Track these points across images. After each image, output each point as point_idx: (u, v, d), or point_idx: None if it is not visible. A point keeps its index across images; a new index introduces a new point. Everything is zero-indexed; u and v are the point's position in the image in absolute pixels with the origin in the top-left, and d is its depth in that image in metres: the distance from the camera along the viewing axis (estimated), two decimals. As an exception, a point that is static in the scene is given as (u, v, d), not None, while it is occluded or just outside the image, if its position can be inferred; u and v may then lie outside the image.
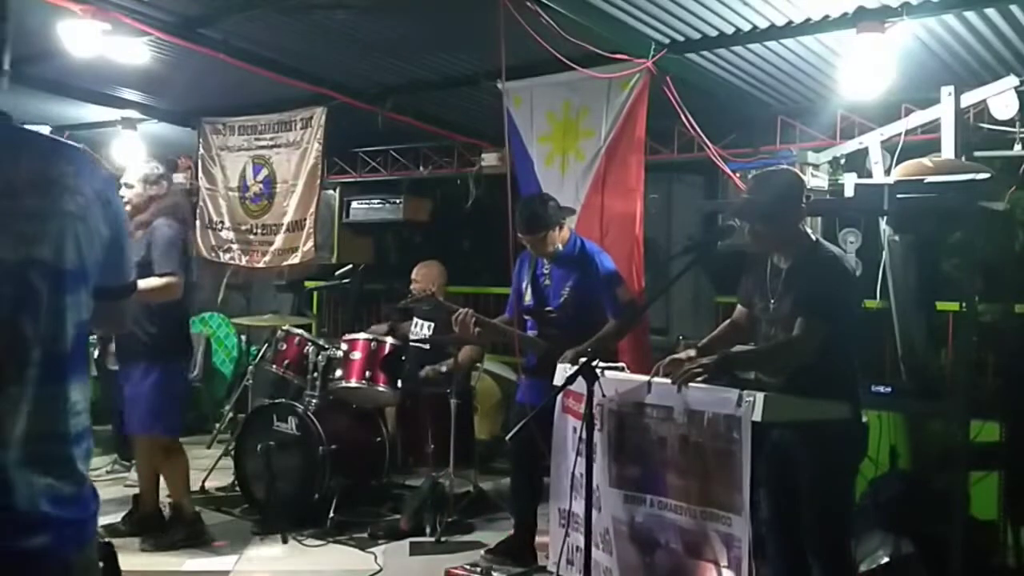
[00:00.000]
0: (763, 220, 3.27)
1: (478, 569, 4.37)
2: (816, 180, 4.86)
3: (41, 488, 1.46)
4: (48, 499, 1.46)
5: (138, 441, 4.73)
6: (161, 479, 4.74)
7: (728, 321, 3.62)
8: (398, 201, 8.09)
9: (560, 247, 4.42)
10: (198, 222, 7.35)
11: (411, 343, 5.66)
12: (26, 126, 1.64)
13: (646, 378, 3.25)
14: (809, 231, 3.36)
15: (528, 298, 4.53)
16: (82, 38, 4.84)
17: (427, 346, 5.60)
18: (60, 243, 1.51)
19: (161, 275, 4.31)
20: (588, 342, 4.15)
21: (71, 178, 1.56)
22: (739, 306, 3.58)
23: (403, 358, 5.44)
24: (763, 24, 4.59)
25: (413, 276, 5.94)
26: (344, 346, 5.36)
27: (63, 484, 1.49)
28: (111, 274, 1.65)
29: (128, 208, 4.38)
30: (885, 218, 4.45)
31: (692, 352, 3.35)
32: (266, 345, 5.98)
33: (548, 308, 4.43)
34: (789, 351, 3.18)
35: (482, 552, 4.50)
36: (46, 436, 1.48)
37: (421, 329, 5.81)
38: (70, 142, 1.69)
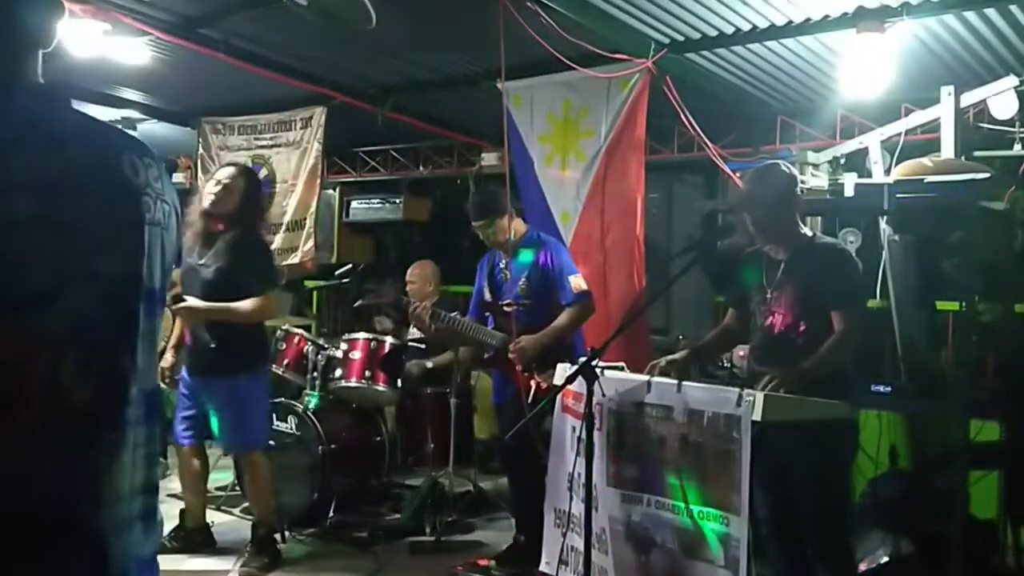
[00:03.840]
0: (758, 211, 3.35)
1: (478, 569, 4.38)
2: (816, 180, 4.86)
3: (134, 553, 1.25)
4: (138, 564, 1.26)
5: (185, 453, 4.48)
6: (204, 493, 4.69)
7: (720, 326, 3.71)
8: (398, 201, 8.10)
9: (512, 236, 4.51)
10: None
11: (408, 343, 5.67)
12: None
13: (646, 378, 3.25)
14: (803, 227, 3.45)
15: (488, 295, 4.63)
16: (82, 38, 4.84)
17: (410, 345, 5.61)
18: (151, 258, 1.28)
19: (261, 294, 4.18)
20: (543, 331, 4.35)
21: (157, 181, 1.31)
22: (730, 309, 3.65)
23: (403, 357, 5.44)
24: (763, 24, 4.59)
25: (408, 277, 5.97)
26: (344, 345, 5.36)
27: (149, 544, 1.29)
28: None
29: (211, 208, 4.20)
30: (885, 218, 4.45)
31: (686, 353, 3.44)
32: (266, 345, 5.99)
33: (506, 301, 4.49)
34: (846, 346, 3.23)
35: (488, 559, 4.50)
36: (139, 489, 1.26)
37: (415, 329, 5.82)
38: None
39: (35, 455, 1.12)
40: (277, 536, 4.59)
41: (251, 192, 4.36)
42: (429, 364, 5.62)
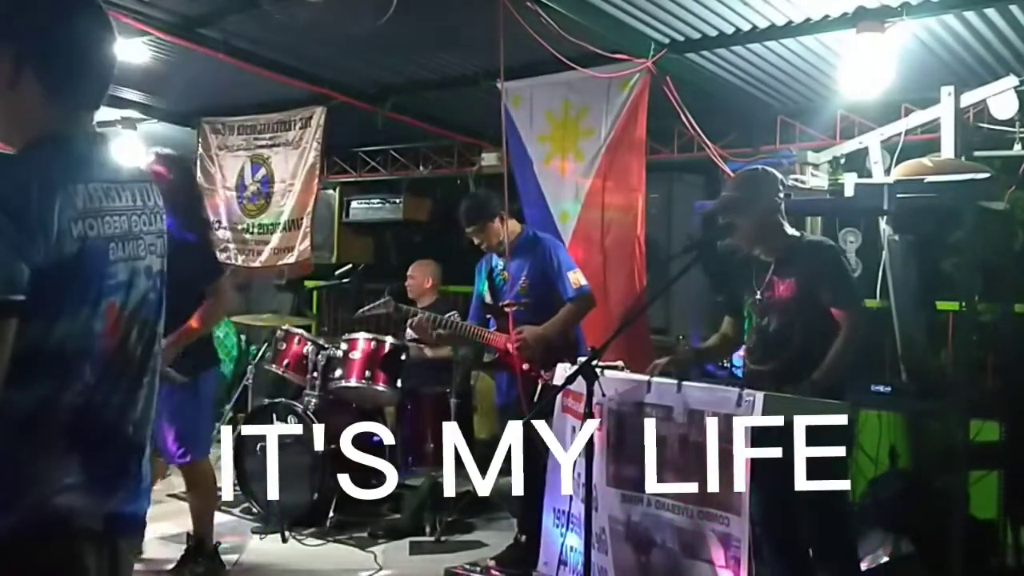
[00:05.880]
0: (743, 214, 3.38)
1: (478, 569, 4.38)
2: (816, 180, 4.85)
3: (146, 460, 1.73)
4: (147, 468, 1.73)
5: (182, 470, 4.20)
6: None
7: (719, 334, 3.72)
8: (398, 201, 8.09)
9: (504, 239, 4.51)
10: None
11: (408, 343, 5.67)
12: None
13: (646, 378, 3.26)
14: (788, 228, 3.46)
15: (488, 298, 4.63)
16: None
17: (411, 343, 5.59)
18: (164, 257, 1.79)
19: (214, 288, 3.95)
20: (545, 324, 4.35)
21: (160, 199, 1.80)
22: (726, 317, 3.67)
23: (403, 358, 5.44)
24: (763, 24, 4.59)
25: (409, 274, 5.97)
26: (344, 345, 5.36)
27: (148, 459, 1.75)
28: None
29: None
30: (885, 218, 4.45)
31: (691, 353, 3.45)
32: (266, 345, 5.98)
33: (507, 302, 4.49)
34: (852, 346, 3.26)
35: (489, 559, 4.50)
36: (152, 419, 1.75)
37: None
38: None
39: (112, 391, 1.61)
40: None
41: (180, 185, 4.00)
42: (429, 353, 5.59)
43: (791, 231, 3.47)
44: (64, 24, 1.59)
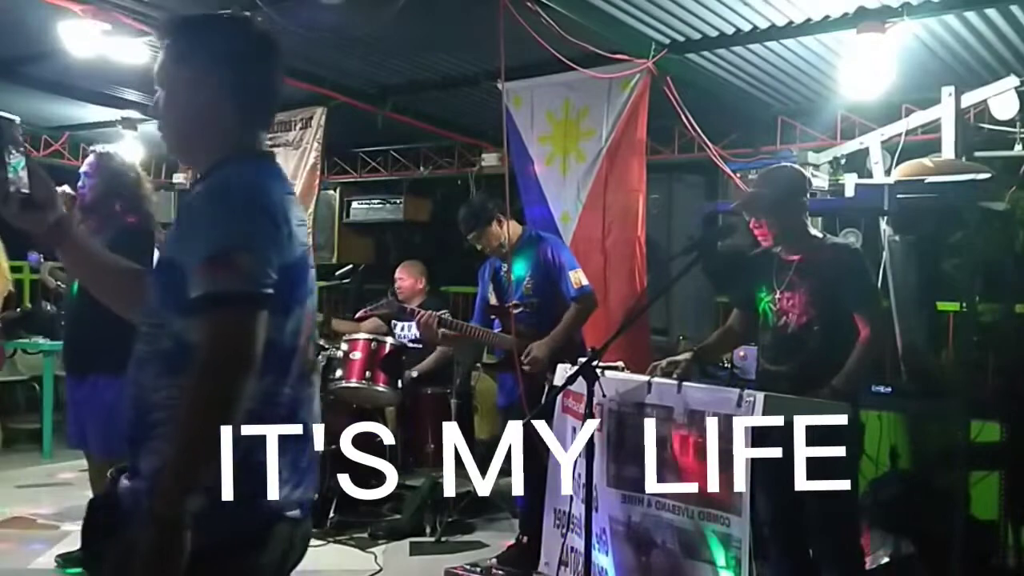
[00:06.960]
0: (769, 212, 3.35)
1: (478, 569, 4.38)
2: (816, 180, 4.85)
3: None
4: None
5: (95, 460, 3.99)
6: None
7: (724, 327, 3.71)
8: (398, 201, 8.10)
9: (504, 242, 4.51)
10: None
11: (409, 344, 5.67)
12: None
13: (646, 378, 3.26)
14: (812, 229, 3.48)
15: (493, 300, 4.62)
16: (82, 38, 4.83)
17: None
18: None
19: None
20: (551, 335, 4.34)
21: None
22: (735, 310, 3.65)
23: (403, 358, 5.43)
24: (763, 24, 4.59)
25: (397, 275, 5.98)
26: (344, 346, 5.36)
27: None
28: None
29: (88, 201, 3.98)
30: (885, 218, 4.45)
31: (689, 355, 3.43)
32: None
33: (512, 303, 4.48)
34: (872, 352, 3.28)
35: (490, 559, 4.49)
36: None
37: (405, 331, 5.81)
38: None
39: (305, 386, 1.78)
40: None
41: (108, 182, 4.00)
42: (414, 374, 5.57)
43: (815, 232, 3.47)
44: (253, 54, 1.81)
